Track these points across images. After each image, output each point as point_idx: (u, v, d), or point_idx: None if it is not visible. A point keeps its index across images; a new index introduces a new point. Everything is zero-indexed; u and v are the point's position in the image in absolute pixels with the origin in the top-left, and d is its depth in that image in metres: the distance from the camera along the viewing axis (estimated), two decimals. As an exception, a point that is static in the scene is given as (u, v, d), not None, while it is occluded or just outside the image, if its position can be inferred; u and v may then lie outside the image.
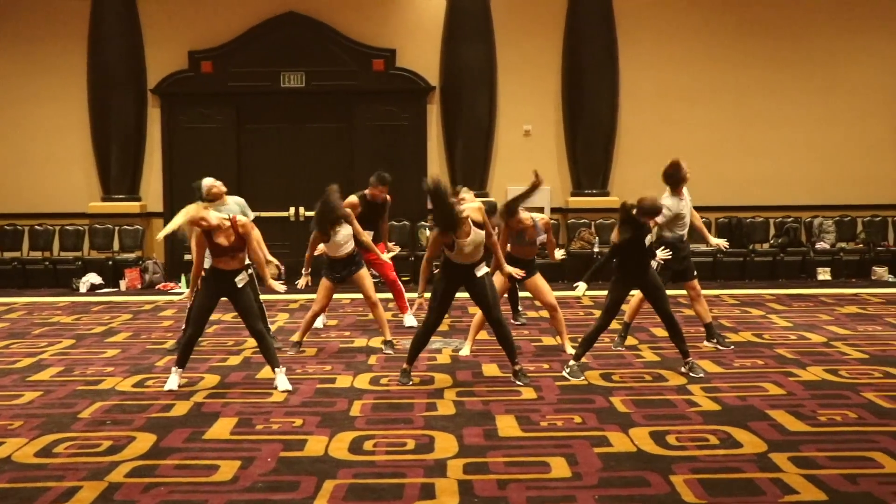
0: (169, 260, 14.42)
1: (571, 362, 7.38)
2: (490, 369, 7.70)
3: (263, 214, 14.12)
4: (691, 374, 7.25)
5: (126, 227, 14.28)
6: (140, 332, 9.74)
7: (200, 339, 8.77)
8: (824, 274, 13.64)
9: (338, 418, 6.21)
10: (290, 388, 6.97)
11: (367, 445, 5.58)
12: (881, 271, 13.66)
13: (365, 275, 8.56)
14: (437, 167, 14.57)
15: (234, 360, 8.20)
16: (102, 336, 9.54)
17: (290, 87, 14.41)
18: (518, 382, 7.10)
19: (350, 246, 8.44)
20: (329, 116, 14.59)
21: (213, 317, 10.38)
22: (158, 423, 6.12)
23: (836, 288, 12.67)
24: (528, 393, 6.85)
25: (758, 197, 14.46)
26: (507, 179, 14.50)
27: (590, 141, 14.37)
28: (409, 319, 9.88)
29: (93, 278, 13.51)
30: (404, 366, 7.28)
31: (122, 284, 13.61)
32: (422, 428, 5.96)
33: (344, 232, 8.35)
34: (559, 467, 5.11)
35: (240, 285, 7.00)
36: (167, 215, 14.50)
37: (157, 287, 13.63)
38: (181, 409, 6.49)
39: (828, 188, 14.53)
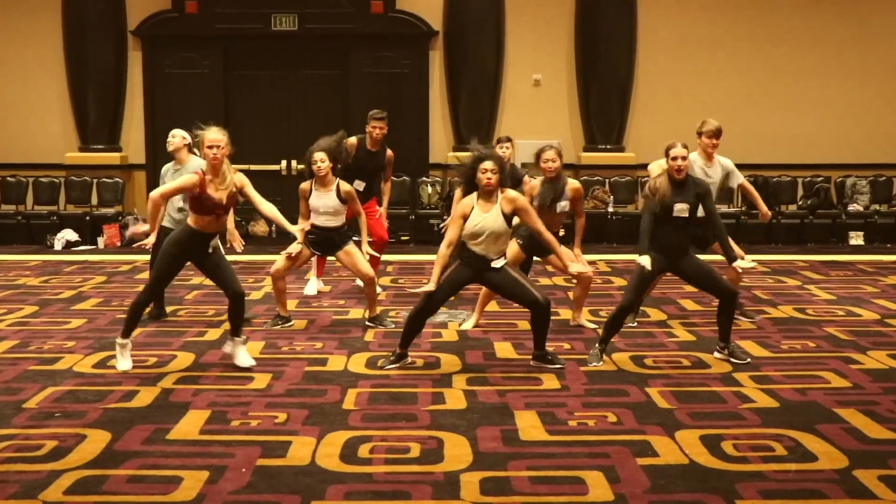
0: (151, 216, 13.39)
1: (597, 345, 6.42)
2: (503, 349, 6.75)
3: (253, 167, 13.13)
4: (732, 359, 6.27)
5: (105, 179, 13.26)
6: (112, 298, 8.78)
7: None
8: (857, 238, 12.66)
9: (328, 413, 5.26)
10: (251, 362, 6.19)
11: (363, 451, 4.64)
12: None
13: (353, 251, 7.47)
14: (439, 119, 13.53)
15: (213, 335, 7.24)
16: (70, 302, 8.57)
17: (282, 31, 13.30)
18: (532, 363, 6.21)
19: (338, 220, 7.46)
20: (323, 62, 13.51)
21: (195, 280, 9.47)
22: (116, 416, 5.17)
23: (872, 254, 11.69)
24: (550, 381, 5.90)
25: (785, 154, 13.43)
26: (514, 132, 13.28)
27: (604, 92, 13.33)
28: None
29: (68, 235, 12.52)
30: (397, 349, 6.30)
31: (101, 242, 12.62)
32: (428, 427, 5.01)
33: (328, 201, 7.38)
34: (598, 486, 4.17)
35: (209, 250, 6.17)
36: (150, 167, 13.49)
37: (136, 245, 12.60)
38: (145, 397, 5.53)
39: (861, 145, 13.50)
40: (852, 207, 12.95)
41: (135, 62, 13.48)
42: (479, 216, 5.94)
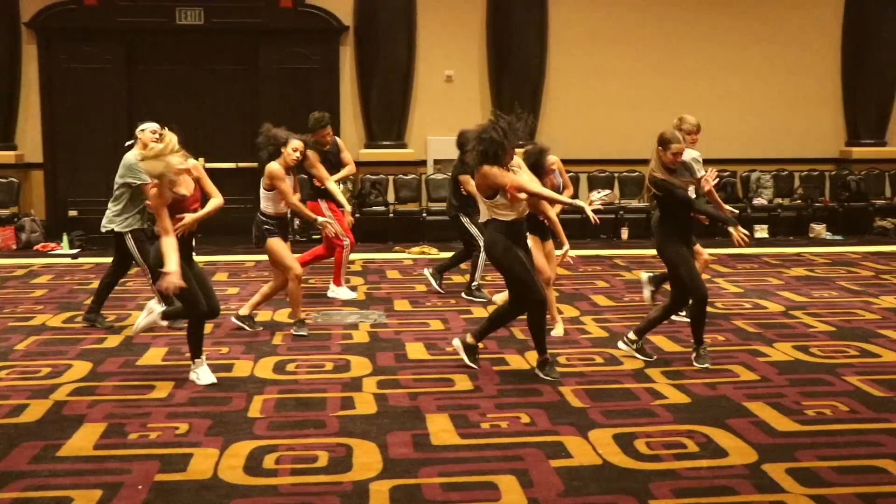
0: (51, 217, 12.91)
1: (632, 335, 6.30)
2: (415, 350, 6.62)
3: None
4: (695, 363, 6.11)
5: None
6: (3, 305, 8.36)
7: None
8: (761, 231, 12.90)
9: (233, 421, 5.06)
10: (213, 379, 5.79)
11: (268, 461, 4.46)
12: (819, 228, 12.98)
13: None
14: (350, 115, 13.32)
15: (113, 341, 6.94)
16: (-41, 310, 8.16)
17: (187, 24, 12.91)
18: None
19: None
20: (231, 58, 13.16)
21: (94, 284, 9.09)
22: (1, 433, 4.88)
23: (776, 247, 11.92)
24: (463, 382, 5.79)
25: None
26: (427, 129, 13.37)
27: (517, 87, 13.26)
28: (343, 292, 8.64)
29: (-40, 238, 11.95)
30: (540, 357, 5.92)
31: (-5, 245, 12.08)
32: (337, 434, 4.86)
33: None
34: (511, 491, 4.08)
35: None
36: (48, 166, 12.99)
37: (35, 248, 12.13)
38: (35, 411, 5.24)
39: (765, 141, 13.76)
40: (757, 201, 13.19)
41: (30, 56, 12.92)
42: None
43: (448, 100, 13.41)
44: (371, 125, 13.20)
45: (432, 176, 13.10)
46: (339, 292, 8.60)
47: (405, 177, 13.02)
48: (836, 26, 13.87)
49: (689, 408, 5.22)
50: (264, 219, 7.11)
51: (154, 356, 6.49)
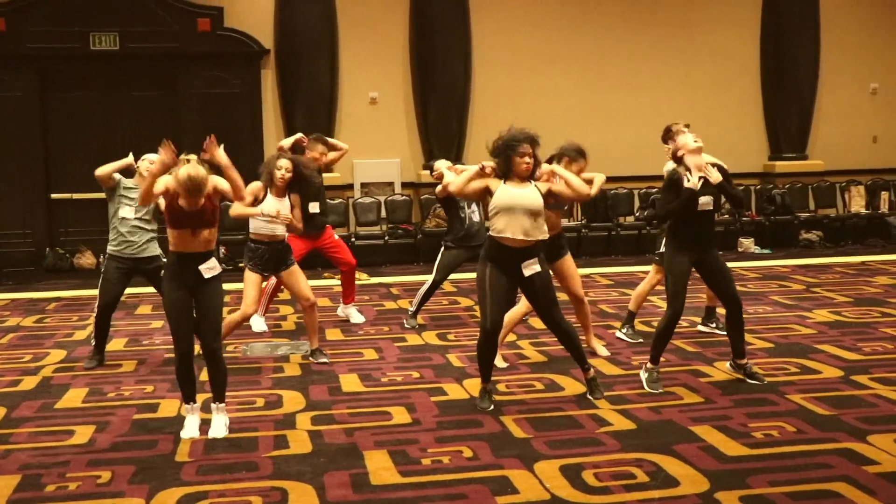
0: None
1: (649, 365, 6.00)
2: (349, 382, 6.39)
3: (76, 196, 12.37)
4: (750, 381, 5.99)
5: None
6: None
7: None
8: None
9: (159, 467, 4.77)
10: (223, 432, 5.23)
11: (198, 511, 4.20)
12: (748, 243, 13.10)
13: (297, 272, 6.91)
14: (274, 139, 13.00)
15: (30, 383, 6.56)
16: None
17: (102, 50, 12.50)
18: (591, 397, 5.72)
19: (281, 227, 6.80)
20: (149, 84, 12.78)
21: (10, 322, 8.66)
22: None
23: (707, 262, 11.95)
24: (401, 415, 5.57)
25: (621, 167, 13.60)
26: (353, 152, 12.99)
27: (443, 108, 13.16)
28: (356, 316, 8.40)
29: None
30: (483, 385, 5.69)
31: None
32: (270, 476, 4.60)
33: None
34: (457, 532, 3.88)
35: (207, 275, 5.17)
36: (-43, 199, 12.43)
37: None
38: (-55, 464, 4.89)
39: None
40: (686, 217, 13.25)
41: (-65, 85, 12.40)
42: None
43: (374, 122, 13.24)
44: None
45: (359, 200, 12.88)
46: (350, 312, 8.45)
47: (332, 201, 12.76)
48: (754, 42, 14.11)
49: (636, 434, 5.09)
50: (249, 242, 6.92)
51: (74, 398, 6.15)
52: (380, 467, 4.67)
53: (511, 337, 7.56)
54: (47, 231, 12.53)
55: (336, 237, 8.50)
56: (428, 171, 6.96)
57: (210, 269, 5.19)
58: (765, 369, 6.41)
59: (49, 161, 12.51)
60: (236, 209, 6.46)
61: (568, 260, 6.78)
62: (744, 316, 6.20)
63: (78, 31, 12.37)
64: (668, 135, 7.22)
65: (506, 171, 5.62)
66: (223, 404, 5.36)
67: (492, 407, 5.60)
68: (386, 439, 5.12)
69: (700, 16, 13.96)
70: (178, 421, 5.55)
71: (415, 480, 4.50)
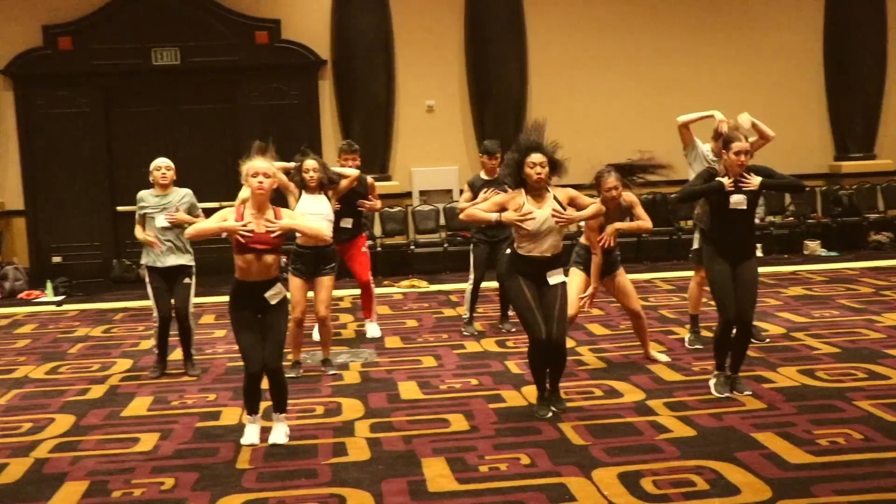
0: (34, 264, 12.67)
1: (716, 371, 5.91)
2: (408, 389, 6.41)
3: (135, 208, 12.59)
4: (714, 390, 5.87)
5: (-20, 228, 12.48)
6: (-16, 358, 8.13)
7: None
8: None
9: (221, 474, 4.84)
10: (283, 440, 5.31)
11: (258, 517, 4.25)
12: (813, 245, 12.85)
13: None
14: (332, 149, 13.12)
15: (97, 392, 6.71)
16: (-63, 365, 7.90)
17: (163, 65, 12.76)
18: (552, 409, 5.64)
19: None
20: (209, 97, 13.00)
21: (80, 332, 8.87)
22: (-21, 497, 4.65)
23: (771, 266, 11.76)
24: (459, 422, 5.58)
25: (681, 170, 13.36)
26: (410, 160, 13.24)
27: (499, 115, 13.16)
28: (373, 329, 8.33)
29: (-59, 288, 11.69)
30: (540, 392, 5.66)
31: (-24, 295, 11.83)
32: (329, 483, 4.64)
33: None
34: (514, 540, 3.87)
35: (273, 302, 5.22)
36: (29, 213, 12.78)
37: (18, 296, 11.88)
38: (15, 471, 5.01)
39: (753, 159, 13.62)
40: (749, 220, 13.04)
41: (6, 103, 12.73)
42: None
43: (430, 130, 13.29)
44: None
45: (418, 208, 12.93)
46: (367, 326, 8.40)
47: (391, 209, 12.85)
48: (817, 40, 13.84)
49: (696, 441, 5.03)
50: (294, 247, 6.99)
51: (139, 406, 6.27)
52: (437, 474, 4.68)
53: (570, 343, 7.51)
54: (114, 243, 12.80)
55: (363, 249, 8.23)
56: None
57: (275, 294, 5.24)
58: (831, 374, 6.28)
59: (114, 174, 12.78)
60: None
61: (620, 275, 6.71)
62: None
63: (140, 47, 12.65)
64: (720, 137, 7.06)
65: (520, 183, 5.56)
66: (284, 414, 5.41)
67: (550, 414, 5.58)
68: (444, 446, 5.13)
69: (759, 15, 13.74)
70: (240, 429, 5.62)
71: (472, 488, 4.50)
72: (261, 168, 5.24)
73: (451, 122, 13.37)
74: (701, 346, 7.20)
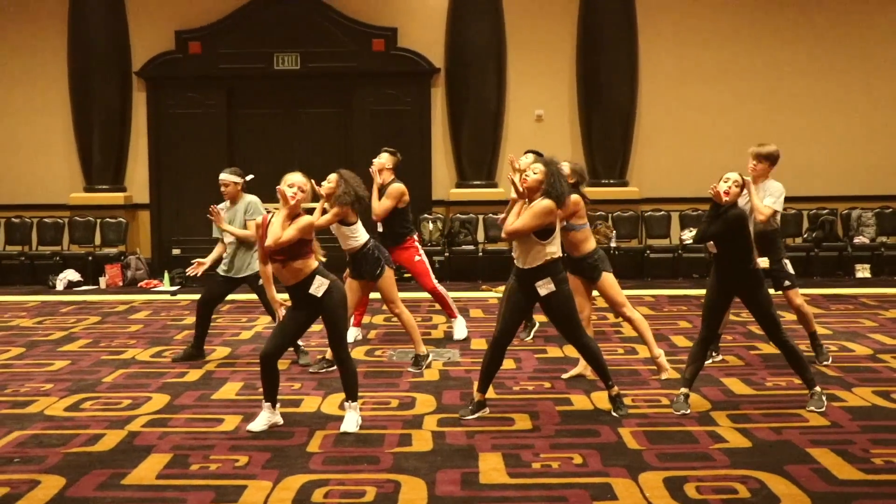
0: (155, 255, 13.48)
1: (683, 389, 6.00)
2: (482, 388, 6.63)
3: (254, 206, 13.22)
4: (813, 408, 5.85)
5: (109, 219, 13.32)
6: (101, 339, 8.75)
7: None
8: (863, 271, 12.47)
9: (291, 455, 5.19)
10: (353, 428, 5.61)
11: (317, 495, 4.56)
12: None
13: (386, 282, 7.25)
14: (441, 155, 13.54)
15: (194, 376, 7.20)
16: (57, 343, 8.57)
17: (284, 70, 13.40)
18: (615, 413, 5.84)
19: (357, 239, 7.12)
20: (326, 101, 13.58)
21: (188, 321, 9.43)
22: (75, 461, 5.11)
23: (878, 287, 11.50)
24: (523, 422, 5.79)
25: (790, 187, 12.96)
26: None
27: (607, 127, 13.27)
28: (460, 330, 8.51)
29: (70, 275, 12.57)
30: (475, 395, 5.97)
31: (102, 282, 12.66)
32: (388, 470, 4.93)
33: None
34: (548, 532, 4.07)
35: (319, 294, 5.54)
36: (153, 207, 13.61)
37: (139, 284, 12.68)
38: (110, 441, 5.48)
39: (866, 177, 13.34)
40: (858, 240, 12.76)
41: (139, 103, 13.60)
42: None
43: (538, 139, 13.41)
44: (462, 165, 13.37)
45: (522, 215, 13.10)
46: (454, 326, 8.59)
47: (495, 216, 13.05)
48: (941, 58, 13.42)
49: (749, 452, 5.10)
50: None
51: (229, 391, 6.71)
52: (491, 468, 4.91)
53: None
54: (230, 238, 13.43)
55: (416, 258, 8.30)
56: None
57: (318, 287, 5.55)
58: (906, 397, 6.22)
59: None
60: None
61: (604, 280, 6.69)
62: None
63: (264, 52, 13.30)
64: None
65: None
66: (355, 403, 5.72)
67: (471, 416, 5.80)
68: (503, 443, 5.34)
69: (878, 30, 13.44)
70: (318, 416, 5.98)
71: (521, 482, 4.70)
72: (296, 181, 5.57)
73: (559, 131, 13.55)
74: (829, 361, 7.18)
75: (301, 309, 5.62)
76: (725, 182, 5.93)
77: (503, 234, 5.89)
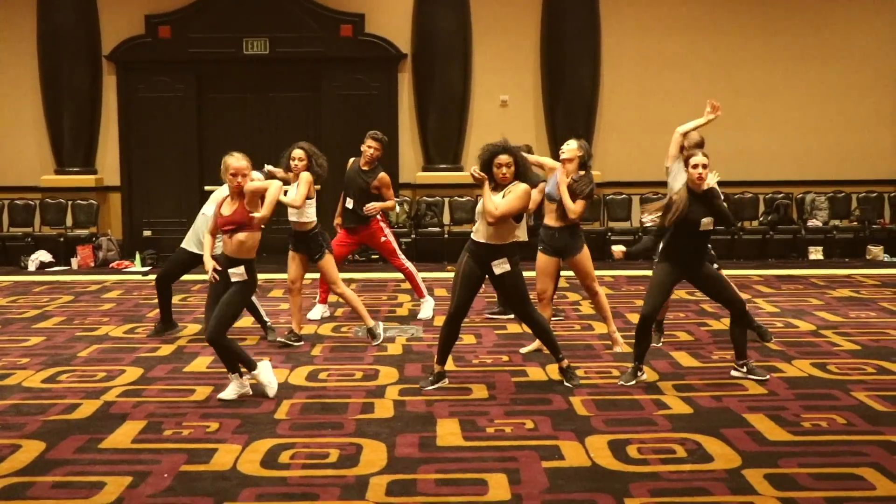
0: (126, 236, 13.67)
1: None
2: (443, 362, 6.96)
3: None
4: (751, 376, 6.23)
5: (80, 201, 13.47)
6: (74, 317, 8.98)
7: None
8: (816, 253, 12.92)
9: (260, 422, 5.49)
10: (230, 396, 5.96)
11: (284, 457, 4.86)
12: (876, 250, 12.94)
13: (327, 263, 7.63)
14: (408, 139, 13.80)
15: (166, 350, 7.46)
16: (32, 321, 8.79)
17: (254, 54, 13.59)
18: (567, 384, 6.17)
19: (307, 217, 7.55)
20: (295, 85, 13.79)
21: (147, 293, 9.66)
22: (54, 427, 5.38)
23: (829, 268, 11.94)
24: (480, 391, 6.12)
25: (747, 172, 13.68)
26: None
27: (570, 112, 13.58)
28: (426, 309, 8.78)
29: (42, 256, 12.74)
30: (435, 367, 6.28)
31: (74, 262, 12.85)
32: (351, 434, 5.24)
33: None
34: (498, 487, 4.40)
35: (233, 279, 5.94)
36: (124, 189, 13.77)
37: (111, 265, 12.87)
38: (86, 409, 5.76)
39: (821, 163, 13.77)
40: (811, 223, 13.20)
41: (109, 86, 13.74)
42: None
43: (503, 124, 13.69)
44: (428, 149, 13.64)
45: (487, 198, 13.41)
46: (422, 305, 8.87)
47: (460, 199, 13.41)
48: (893, 47, 13.84)
49: (690, 418, 5.46)
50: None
51: (200, 364, 6.99)
52: (448, 432, 5.23)
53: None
54: (200, 220, 13.66)
55: (382, 239, 8.70)
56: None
57: (237, 274, 5.96)
58: (841, 369, 6.60)
59: (203, 155, 13.64)
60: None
61: (580, 258, 7.03)
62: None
63: (233, 37, 13.48)
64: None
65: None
66: (234, 374, 5.99)
67: (430, 386, 6.15)
68: (460, 410, 5.67)
69: (835, 19, 13.81)
70: (286, 386, 6.27)
71: (476, 444, 5.03)
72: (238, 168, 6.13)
73: (523, 116, 13.84)
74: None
75: (218, 284, 6.03)
76: (695, 168, 6.07)
77: (489, 219, 6.05)
